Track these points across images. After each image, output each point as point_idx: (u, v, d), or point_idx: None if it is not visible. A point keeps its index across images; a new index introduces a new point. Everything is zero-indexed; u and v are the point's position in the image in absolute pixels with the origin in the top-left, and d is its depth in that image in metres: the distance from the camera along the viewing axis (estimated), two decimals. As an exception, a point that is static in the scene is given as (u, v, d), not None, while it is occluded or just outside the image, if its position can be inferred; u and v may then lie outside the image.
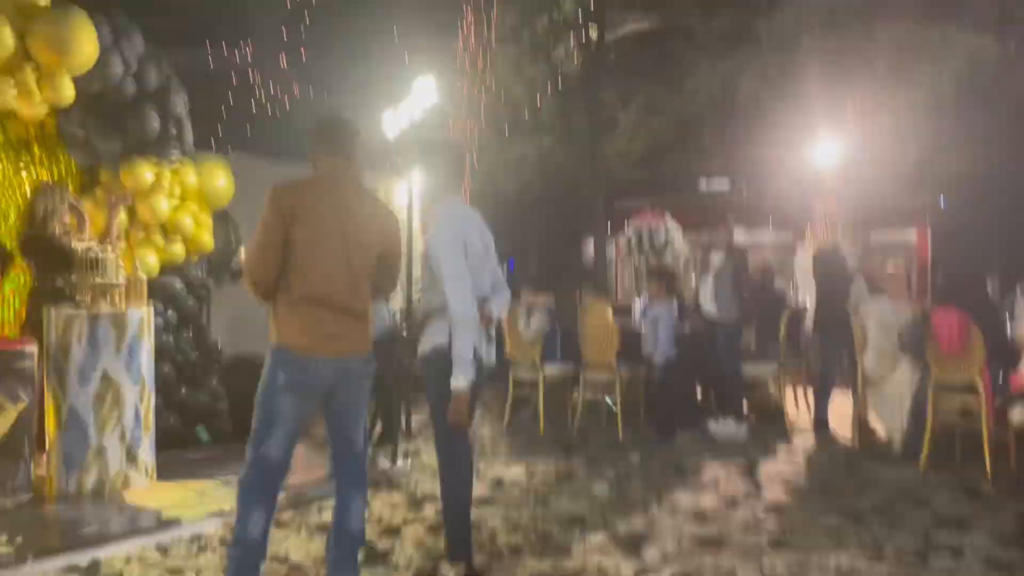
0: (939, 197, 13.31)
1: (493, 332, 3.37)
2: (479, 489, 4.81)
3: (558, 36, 16.41)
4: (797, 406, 7.50)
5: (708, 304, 6.74)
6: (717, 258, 7.31)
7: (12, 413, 4.28)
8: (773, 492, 4.84)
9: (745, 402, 6.79)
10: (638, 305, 7.59)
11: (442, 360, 3.18)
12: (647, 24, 15.50)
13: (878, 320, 5.90)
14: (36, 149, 5.64)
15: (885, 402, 5.86)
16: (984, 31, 10.26)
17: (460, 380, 3.09)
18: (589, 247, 17.80)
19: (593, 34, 14.90)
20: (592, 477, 5.20)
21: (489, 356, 3.34)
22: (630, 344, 6.67)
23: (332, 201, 2.82)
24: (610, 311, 7.02)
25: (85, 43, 4.96)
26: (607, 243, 15.85)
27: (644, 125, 17.38)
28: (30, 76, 4.91)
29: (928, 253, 13.39)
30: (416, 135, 6.57)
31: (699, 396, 7.10)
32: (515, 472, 5.33)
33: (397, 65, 11.36)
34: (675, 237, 7.77)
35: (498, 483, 5.04)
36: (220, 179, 6.09)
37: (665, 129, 17.09)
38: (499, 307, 3.41)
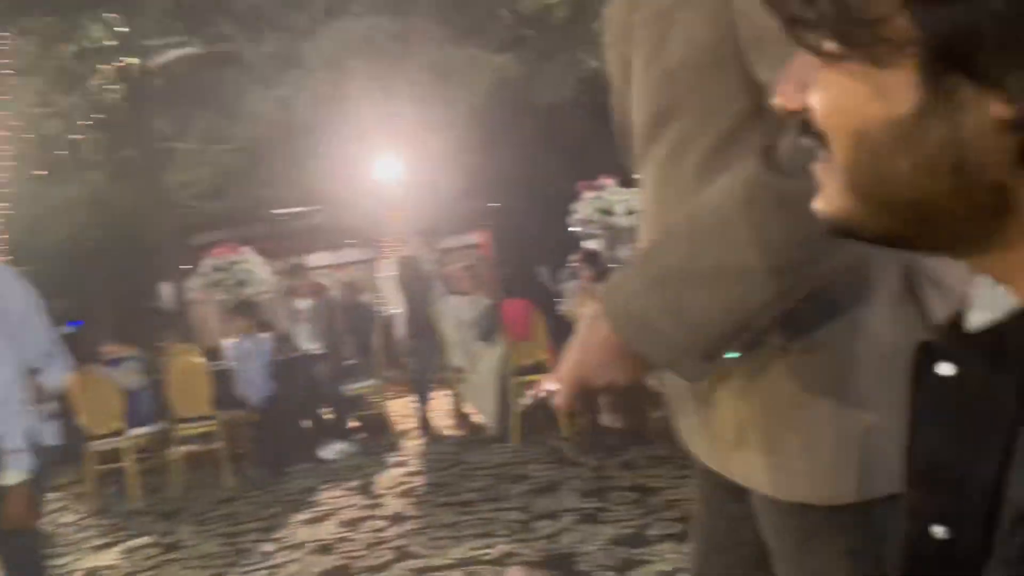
0: (496, 201, 14.90)
1: (55, 406, 2.88)
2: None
3: (90, 64, 14.90)
4: (402, 413, 7.77)
5: (298, 332, 6.66)
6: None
7: None
8: (391, 504, 4.92)
9: (353, 421, 6.84)
10: (228, 345, 7.18)
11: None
12: (192, 49, 14.81)
13: (455, 317, 6.35)
14: None
15: (475, 390, 6.33)
16: (504, 51, 11.67)
17: (10, 475, 2.57)
18: (167, 290, 16.51)
19: (133, 60, 13.78)
20: (201, 538, 4.77)
21: (51, 436, 2.84)
22: (225, 386, 6.29)
23: None
24: (198, 355, 6.52)
25: None
26: (186, 283, 14.84)
27: (207, 154, 16.63)
28: None
29: (491, 252, 14.90)
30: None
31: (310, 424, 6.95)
32: (110, 558, 4.67)
33: None
34: (256, 269, 7.50)
35: (91, 575, 4.38)
36: None
37: (231, 157, 16.55)
38: (56, 377, 2.91)
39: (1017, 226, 0.41)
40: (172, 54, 14.85)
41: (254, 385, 6.17)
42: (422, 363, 7.05)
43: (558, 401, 0.99)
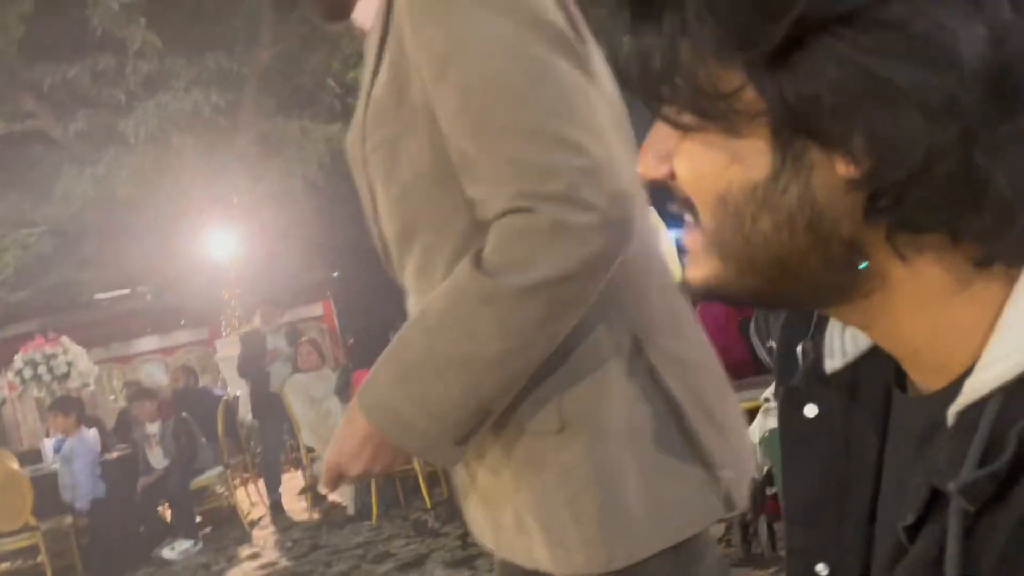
0: (334, 271, 14.63)
1: None
2: None
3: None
4: (251, 500, 7.32)
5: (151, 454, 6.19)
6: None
7: None
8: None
9: (198, 515, 6.36)
10: (48, 445, 6.53)
11: None
12: (-6, 128, 13.73)
13: (305, 395, 6.12)
14: None
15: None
16: (335, 120, 11.62)
17: None
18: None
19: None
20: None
21: None
22: (47, 491, 5.69)
23: None
24: (14, 461, 5.88)
25: None
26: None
27: (14, 239, 15.34)
28: None
29: (334, 321, 14.55)
30: None
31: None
32: None
33: None
34: (78, 360, 6.91)
35: None
36: None
37: (41, 240, 15.35)
38: None
39: (872, 276, 0.44)
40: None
41: (81, 488, 5.63)
42: (269, 442, 6.73)
43: (322, 486, 1.05)
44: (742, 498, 0.99)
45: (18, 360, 6.90)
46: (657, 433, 0.95)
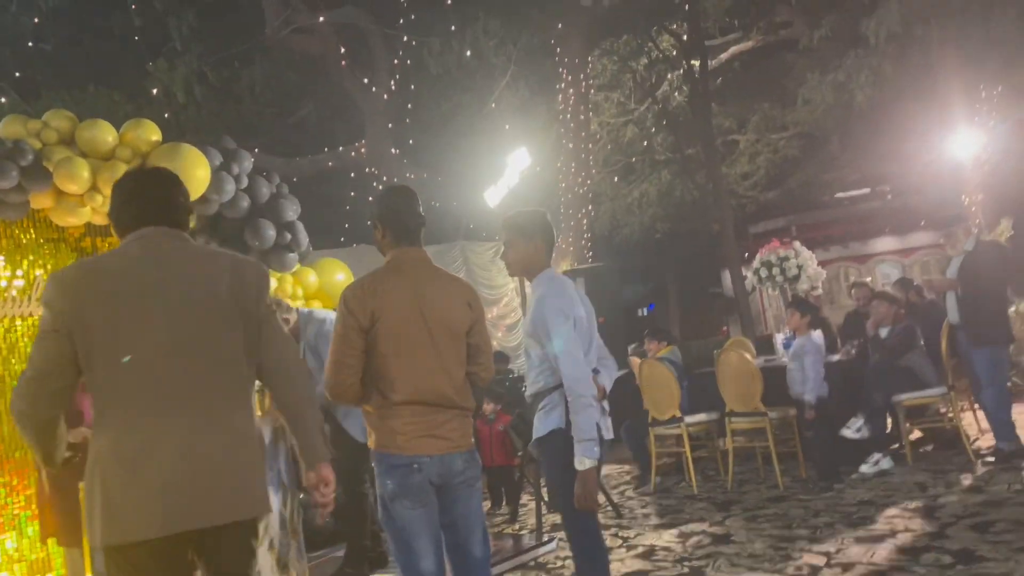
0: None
1: (607, 404, 3.18)
2: (629, 562, 4.57)
3: (660, 73, 16.24)
4: (980, 427, 6.76)
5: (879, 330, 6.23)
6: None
7: None
8: (959, 537, 4.29)
9: (913, 432, 6.16)
10: (779, 340, 7.13)
11: (559, 441, 3.00)
12: (749, 43, 15.06)
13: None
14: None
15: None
16: None
17: (585, 462, 2.90)
18: (727, 278, 17.20)
19: (695, 63, 14.61)
20: (751, 535, 4.82)
21: (607, 430, 3.15)
22: (776, 382, 6.24)
23: (410, 290, 2.72)
24: (749, 351, 6.60)
25: (197, 171, 5.27)
26: (743, 273, 15.29)
27: (764, 144, 16.83)
28: (153, 210, 5.25)
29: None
30: (510, 208, 6.57)
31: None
32: (667, 538, 5.03)
33: (499, 135, 11.52)
34: (807, 265, 7.27)
35: (649, 552, 4.76)
36: (338, 274, 6.27)
37: (788, 145, 16.47)
38: (609, 377, 3.22)
39: None
40: (730, 51, 15.33)
41: (808, 385, 5.99)
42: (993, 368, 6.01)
43: None
44: None
45: (756, 260, 7.66)
46: None
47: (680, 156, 16.46)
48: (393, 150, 12.11)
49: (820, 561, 4.20)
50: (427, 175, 12.35)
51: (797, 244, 7.49)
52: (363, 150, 12.15)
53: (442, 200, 12.05)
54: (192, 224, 2.37)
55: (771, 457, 6.08)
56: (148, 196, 2.26)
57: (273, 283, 5.85)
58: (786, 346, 6.91)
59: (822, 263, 7.95)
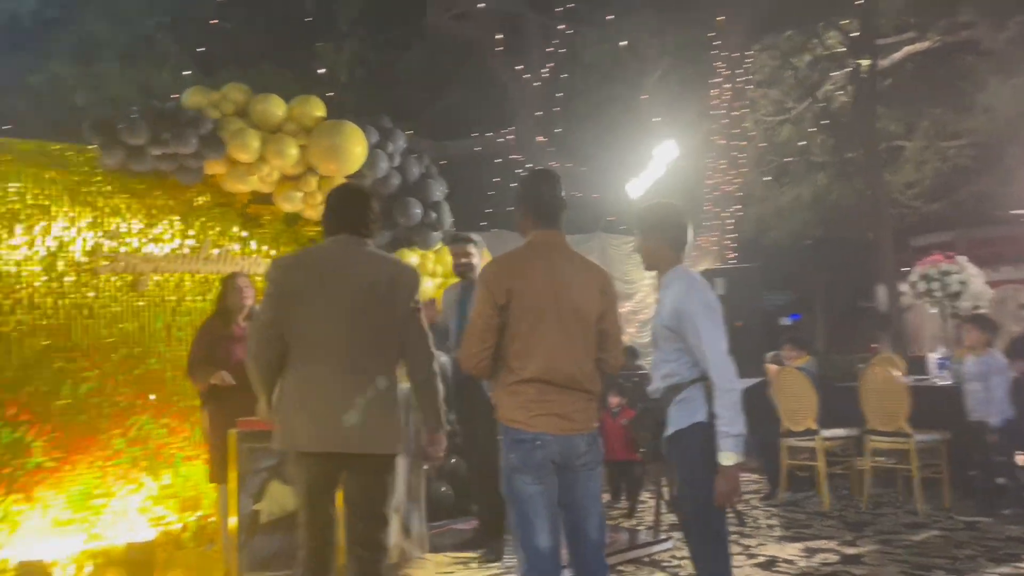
0: None
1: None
2: (748, 570, 4.45)
3: (824, 71, 15.50)
4: None
5: None
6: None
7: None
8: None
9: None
10: (934, 360, 6.68)
11: (701, 435, 2.94)
12: (925, 43, 14.10)
13: None
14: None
15: None
16: None
17: (732, 457, 2.84)
18: (882, 292, 16.25)
19: (863, 63, 13.84)
20: (883, 559, 4.57)
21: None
22: (925, 404, 5.87)
23: (545, 271, 2.77)
24: (898, 368, 6.23)
25: (355, 147, 5.52)
26: (900, 287, 14.40)
27: (933, 151, 15.75)
28: (312, 183, 5.56)
29: None
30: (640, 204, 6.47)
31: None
32: (791, 551, 4.85)
33: (646, 128, 11.38)
34: (972, 281, 6.77)
35: (770, 563, 4.61)
36: (478, 257, 6.40)
37: (959, 154, 15.34)
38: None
39: None
40: (903, 51, 14.42)
41: (994, 406, 5.57)
42: None
43: None
44: None
45: (914, 273, 7.19)
46: None
47: (839, 159, 15.67)
48: (540, 138, 12.21)
49: (958, 595, 3.94)
50: (571, 164, 12.37)
51: (962, 259, 6.98)
52: (510, 136, 12.32)
53: (584, 190, 12.04)
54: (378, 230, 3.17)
55: (912, 481, 5.74)
56: (347, 210, 3.07)
57: (415, 260, 6.05)
58: (941, 366, 6.48)
59: (990, 284, 7.37)
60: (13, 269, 4.87)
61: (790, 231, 17.27)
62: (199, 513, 5.31)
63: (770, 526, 5.54)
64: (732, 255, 10.90)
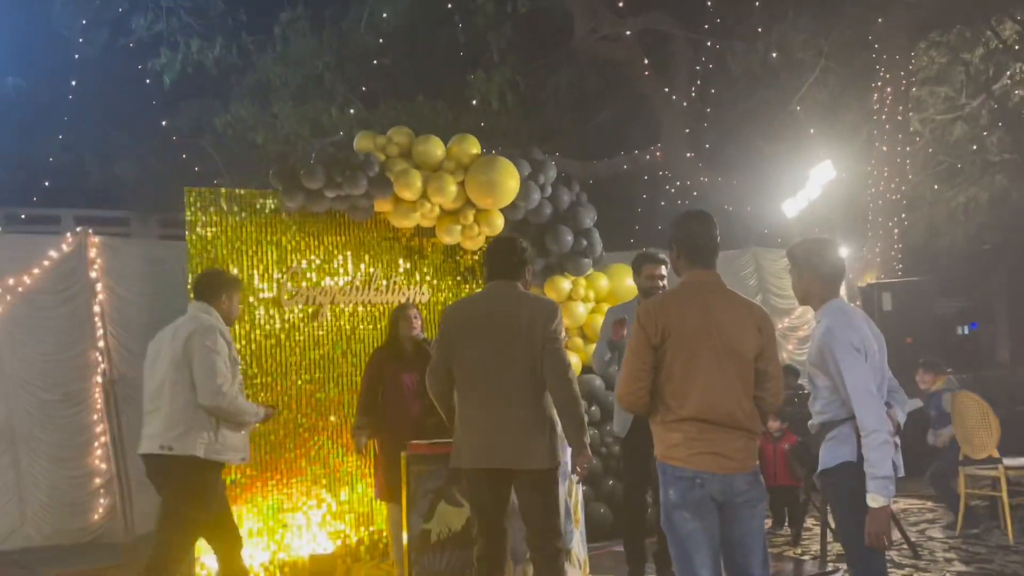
0: None
1: (899, 440, 3.04)
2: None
3: (999, 65, 14.41)
4: None
5: None
6: None
7: (467, 508, 4.97)
8: None
9: None
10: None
11: (849, 475, 2.94)
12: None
13: None
14: (480, 273, 6.63)
15: None
16: None
17: (879, 499, 2.82)
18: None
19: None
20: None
21: (900, 468, 3.01)
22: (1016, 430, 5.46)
23: (700, 311, 2.83)
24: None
25: (509, 181, 5.77)
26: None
27: None
28: (470, 216, 5.86)
29: None
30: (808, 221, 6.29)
31: None
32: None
33: (801, 137, 11.01)
34: None
35: (948, 601, 4.40)
36: (628, 280, 6.48)
37: None
38: (902, 411, 3.08)
39: None
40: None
41: None
42: None
43: None
44: None
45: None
46: None
47: (1019, 158, 14.49)
48: (688, 154, 12.10)
49: None
50: (721, 178, 12.16)
51: None
52: (658, 153, 12.29)
53: (736, 204, 11.80)
54: (528, 272, 3.64)
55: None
56: (497, 259, 3.59)
57: (567, 285, 6.22)
58: None
59: None
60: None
61: (964, 236, 16.13)
62: (372, 528, 5.69)
63: (948, 559, 5.25)
64: (899, 266, 10.34)
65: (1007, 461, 5.69)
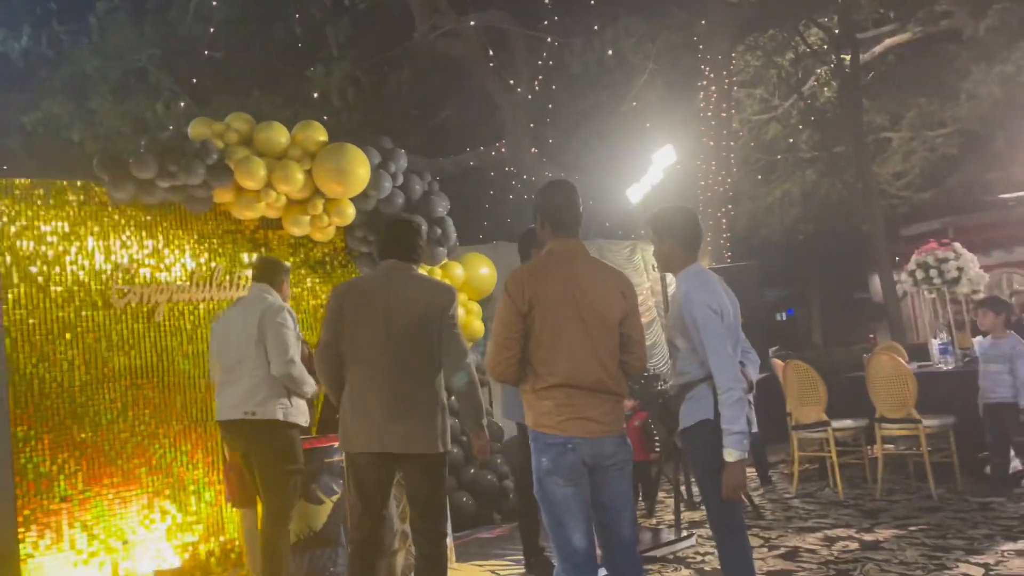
0: None
1: (752, 397, 3.21)
2: (772, 561, 4.53)
3: (807, 68, 15.68)
4: None
5: None
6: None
7: (328, 505, 4.79)
8: None
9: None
10: (935, 346, 6.80)
11: (708, 433, 3.06)
12: (905, 35, 14.30)
13: None
14: (330, 266, 6.43)
15: None
16: None
17: (734, 454, 2.96)
18: (876, 283, 16.39)
19: (846, 58, 14.02)
20: (904, 545, 4.66)
21: (754, 424, 3.18)
22: (930, 389, 5.99)
23: (565, 279, 2.86)
24: (902, 356, 6.35)
25: (359, 169, 5.62)
26: (895, 276, 14.52)
27: (920, 141, 15.94)
28: (319, 206, 5.65)
29: None
30: (651, 206, 6.60)
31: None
32: (811, 541, 4.94)
33: (638, 132, 11.51)
34: (968, 267, 6.89)
35: (793, 553, 4.70)
36: (483, 269, 6.50)
37: (946, 143, 15.53)
38: (753, 371, 3.25)
39: None
40: (884, 43, 14.61)
41: (1021, 387, 5.67)
42: None
43: None
44: None
45: (912, 262, 7.32)
46: None
47: (827, 154, 15.84)
48: (532, 149, 12.33)
49: (978, 572, 4.03)
50: (564, 173, 12.49)
51: (957, 245, 7.10)
52: (503, 150, 12.44)
53: (579, 198, 12.15)
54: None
55: (924, 467, 5.84)
56: (391, 238, 3.50)
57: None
58: (943, 352, 6.59)
59: (983, 268, 7.51)
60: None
61: (782, 227, 17.45)
62: (223, 537, 5.37)
63: (788, 518, 5.62)
64: (728, 254, 11.01)
65: (834, 423, 6.17)
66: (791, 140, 16.75)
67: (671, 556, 4.85)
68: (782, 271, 21.77)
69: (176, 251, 5.49)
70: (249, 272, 5.73)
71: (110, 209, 5.28)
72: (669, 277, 7.76)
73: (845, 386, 6.68)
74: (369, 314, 3.33)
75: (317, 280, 6.01)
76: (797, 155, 17.03)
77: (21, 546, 4.71)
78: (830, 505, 5.87)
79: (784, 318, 24.66)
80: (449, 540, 4.97)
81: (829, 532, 5.10)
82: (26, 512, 4.76)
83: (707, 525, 5.40)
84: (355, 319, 3.33)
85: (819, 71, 15.60)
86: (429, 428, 3.30)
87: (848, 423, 6.30)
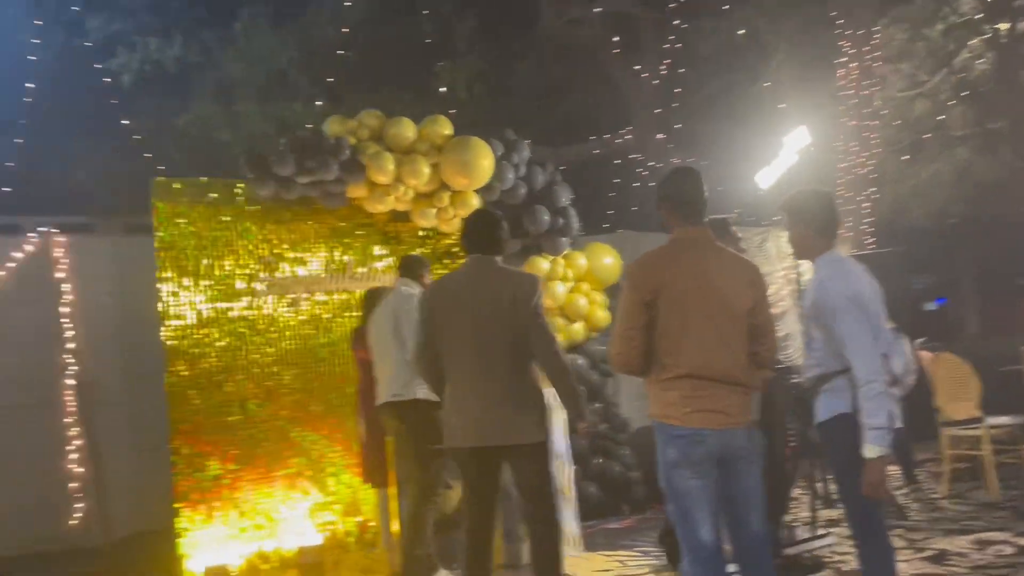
0: None
1: (897, 391, 3.03)
2: (917, 564, 4.28)
3: (959, 40, 14.59)
4: None
5: None
6: None
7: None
8: None
9: None
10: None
11: (846, 428, 2.91)
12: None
13: None
14: (458, 257, 6.55)
15: None
16: None
17: (874, 449, 2.80)
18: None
19: (1002, 27, 12.94)
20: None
21: (899, 418, 3.00)
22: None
23: (692, 268, 2.79)
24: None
25: (483, 161, 5.69)
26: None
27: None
28: (445, 198, 5.78)
29: None
30: (783, 191, 6.31)
31: None
32: (961, 544, 4.62)
33: (770, 115, 11.07)
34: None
35: (941, 556, 4.41)
36: (607, 258, 6.45)
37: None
38: (899, 362, 3.07)
39: None
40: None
41: None
42: None
43: None
44: None
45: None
46: None
47: (981, 131, 14.68)
48: (659, 135, 12.11)
49: None
50: (692, 159, 12.21)
51: None
52: (629, 137, 12.28)
53: (709, 184, 11.80)
54: (506, 245, 3.62)
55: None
56: (478, 233, 3.52)
57: (546, 265, 6.15)
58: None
59: None
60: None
61: (930, 211, 16.34)
62: (360, 518, 5.60)
63: (935, 519, 5.28)
64: (870, 240, 10.43)
65: (989, 420, 5.74)
66: (941, 117, 15.62)
67: (807, 555, 4.66)
68: (930, 257, 20.42)
69: (313, 245, 5.75)
70: (380, 264, 5.95)
71: (253, 207, 5.59)
72: (805, 265, 7.44)
73: (1003, 380, 6.21)
74: (457, 312, 3.38)
75: (444, 270, 6.15)
76: (947, 133, 15.88)
77: (176, 521, 5.10)
78: (983, 507, 5.48)
79: (933, 307, 23.16)
80: (577, 528, 5.00)
81: (982, 535, 4.76)
82: (181, 490, 5.15)
83: (845, 524, 5.17)
84: (446, 318, 3.40)
85: (972, 42, 14.46)
86: (527, 417, 3.34)
87: (1005, 420, 5.85)
